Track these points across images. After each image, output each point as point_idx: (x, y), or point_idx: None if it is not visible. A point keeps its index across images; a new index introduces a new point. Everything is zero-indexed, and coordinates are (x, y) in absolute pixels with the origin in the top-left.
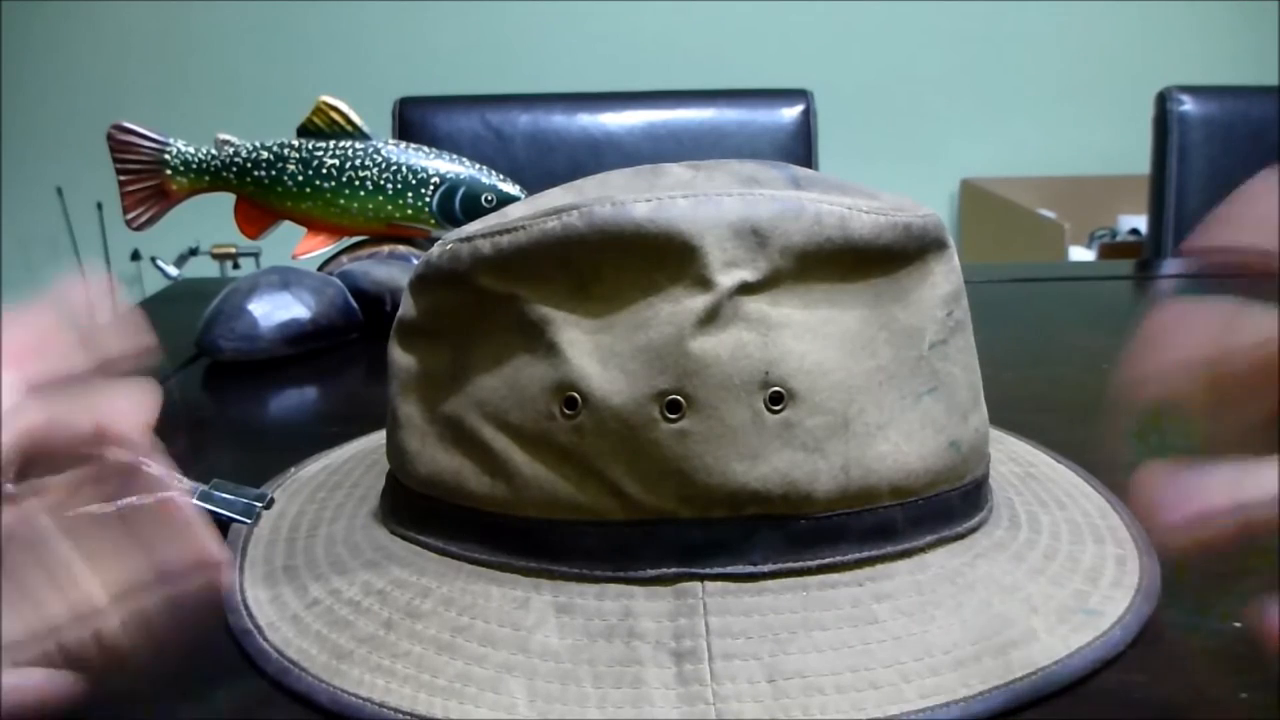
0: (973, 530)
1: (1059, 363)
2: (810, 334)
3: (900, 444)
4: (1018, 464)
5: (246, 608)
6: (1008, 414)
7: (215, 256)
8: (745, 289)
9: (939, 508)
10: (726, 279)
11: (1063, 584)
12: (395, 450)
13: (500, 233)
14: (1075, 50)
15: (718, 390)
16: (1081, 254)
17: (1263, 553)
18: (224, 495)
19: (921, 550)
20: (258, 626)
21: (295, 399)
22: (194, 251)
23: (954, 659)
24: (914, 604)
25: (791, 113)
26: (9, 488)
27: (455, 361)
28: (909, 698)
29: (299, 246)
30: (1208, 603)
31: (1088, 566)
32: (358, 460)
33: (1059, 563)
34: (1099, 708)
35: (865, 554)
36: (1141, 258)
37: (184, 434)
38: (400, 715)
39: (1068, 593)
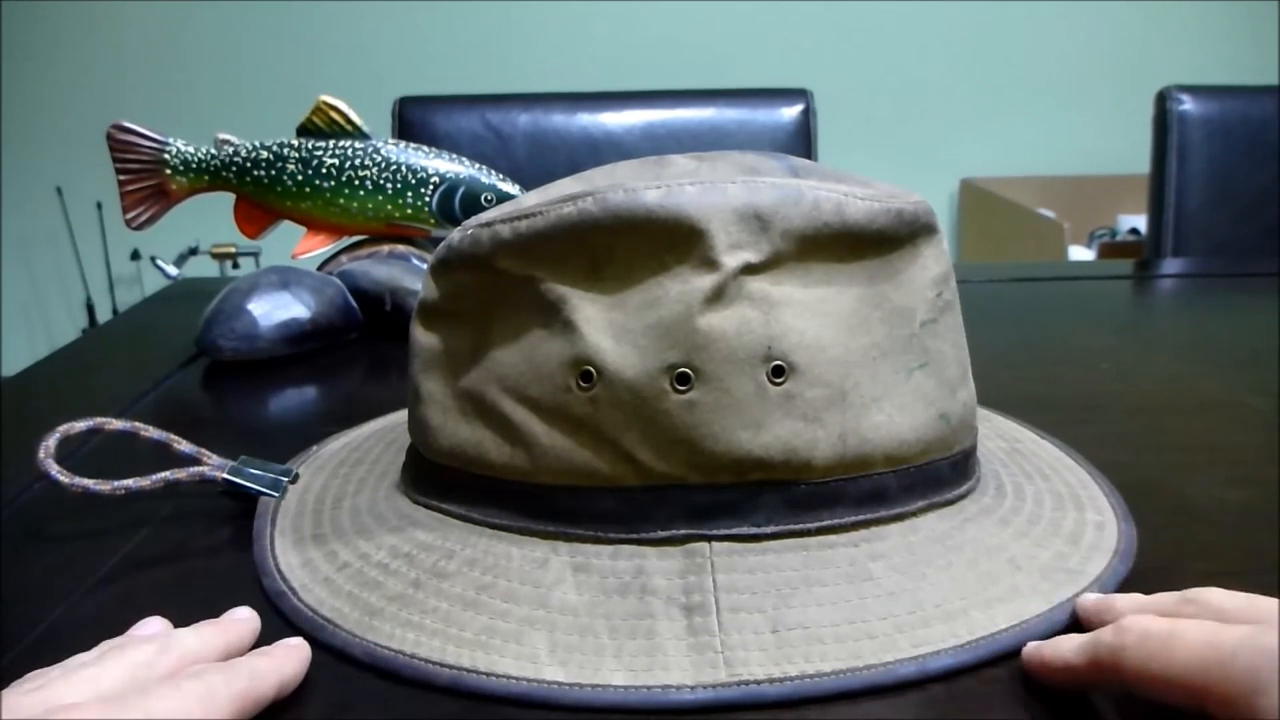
0: (961, 497)
1: (1059, 363)
2: (809, 312)
3: (893, 415)
4: (1004, 439)
5: (280, 572)
6: (1007, 413)
7: (215, 256)
8: (749, 269)
9: (930, 475)
10: (731, 260)
11: (1045, 546)
12: (418, 425)
13: (519, 218)
14: (1075, 50)
15: (724, 364)
16: (1081, 254)
17: (1258, 553)
18: (252, 470)
19: (913, 514)
20: (291, 589)
21: (295, 399)
22: (194, 251)
23: (944, 612)
24: (906, 563)
25: (791, 112)
26: None
27: (476, 340)
28: (902, 647)
29: (298, 246)
30: None
31: (1068, 531)
32: (377, 438)
33: (1042, 527)
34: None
35: (861, 517)
36: (1141, 257)
37: (184, 434)
38: (431, 665)
39: (1050, 554)
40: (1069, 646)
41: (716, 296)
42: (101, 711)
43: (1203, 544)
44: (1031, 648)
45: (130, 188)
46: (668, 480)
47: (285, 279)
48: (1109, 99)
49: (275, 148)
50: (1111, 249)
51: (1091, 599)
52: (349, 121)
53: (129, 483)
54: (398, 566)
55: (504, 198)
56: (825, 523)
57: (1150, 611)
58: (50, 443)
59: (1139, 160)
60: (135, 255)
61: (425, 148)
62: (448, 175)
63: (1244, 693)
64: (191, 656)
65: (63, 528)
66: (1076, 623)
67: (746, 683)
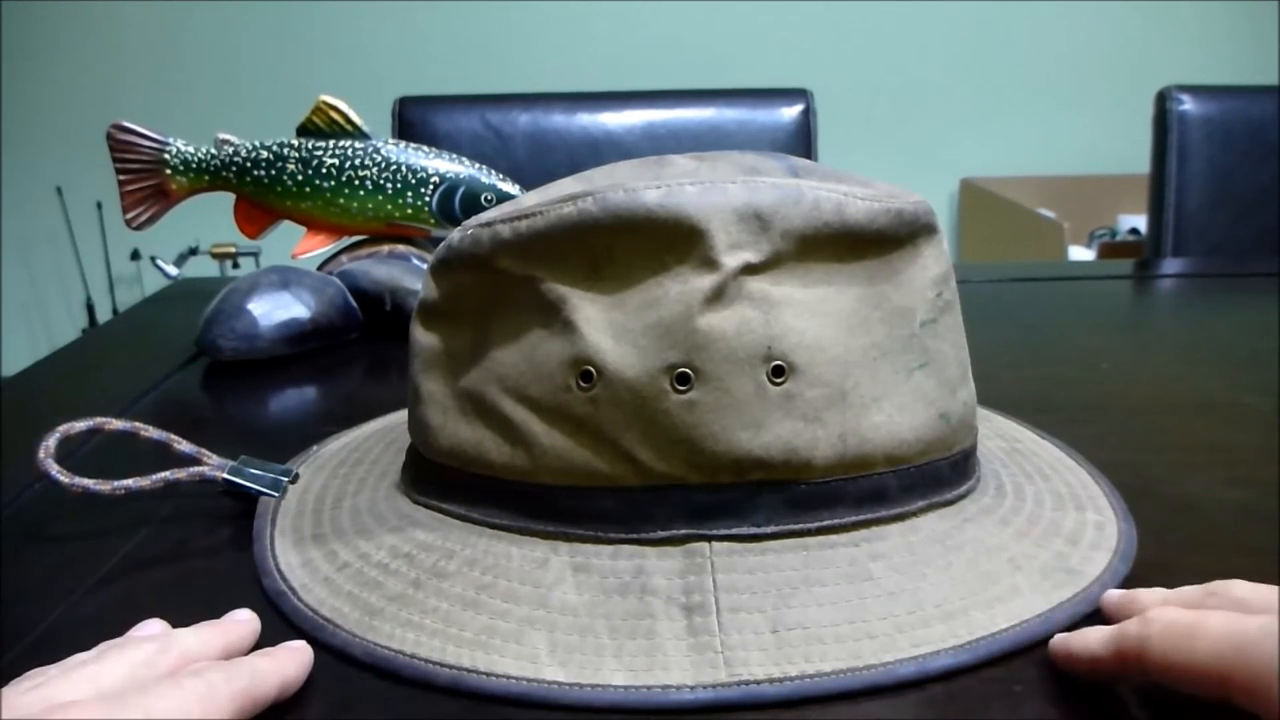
0: (961, 497)
1: (1059, 363)
2: (809, 312)
3: (894, 415)
4: (1004, 439)
5: (280, 572)
6: (1007, 413)
7: (215, 256)
8: (749, 269)
9: (930, 475)
10: (731, 260)
11: (1045, 546)
12: (418, 424)
13: (519, 218)
14: (1075, 50)
15: (724, 364)
16: (1081, 253)
17: (1258, 553)
18: (253, 470)
19: (913, 514)
20: (291, 588)
21: (295, 399)
22: (194, 251)
23: (944, 612)
24: (906, 563)
25: (791, 112)
26: None
27: (476, 340)
28: (902, 647)
29: (299, 246)
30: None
31: (1069, 531)
32: (377, 438)
33: (1042, 527)
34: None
35: (861, 517)
36: (1141, 257)
37: (184, 434)
38: (431, 665)
39: (1050, 554)
40: (1095, 639)
41: (716, 296)
42: (101, 709)
43: (1203, 544)
44: (1059, 640)
45: (130, 188)
46: (668, 480)
47: (285, 279)
48: (1109, 99)
49: (275, 148)
50: (1111, 249)
51: (1117, 594)
52: (349, 121)
53: (129, 483)
54: (398, 566)
55: (504, 198)
56: (825, 523)
57: (1174, 604)
58: (50, 443)
59: (1139, 160)
60: (135, 255)
61: (425, 148)
62: (448, 175)
63: (1265, 680)
64: (192, 656)
65: (63, 528)
66: (1080, 622)
67: (746, 683)
